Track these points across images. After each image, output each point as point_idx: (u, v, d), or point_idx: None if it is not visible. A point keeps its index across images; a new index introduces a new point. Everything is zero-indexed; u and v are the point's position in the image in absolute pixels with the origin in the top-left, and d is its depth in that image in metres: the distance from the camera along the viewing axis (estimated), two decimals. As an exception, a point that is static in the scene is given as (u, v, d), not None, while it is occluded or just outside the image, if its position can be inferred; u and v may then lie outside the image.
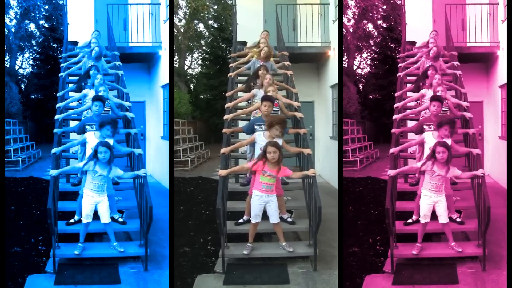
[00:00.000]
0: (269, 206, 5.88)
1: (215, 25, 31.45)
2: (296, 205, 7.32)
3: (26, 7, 21.32)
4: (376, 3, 22.98)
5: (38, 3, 22.25)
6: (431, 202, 5.79)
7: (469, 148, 6.68)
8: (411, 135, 9.49)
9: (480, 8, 11.08)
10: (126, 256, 6.22)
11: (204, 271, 5.90)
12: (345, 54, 23.05)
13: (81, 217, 6.15)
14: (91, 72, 8.14)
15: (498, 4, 10.87)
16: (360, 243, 6.80)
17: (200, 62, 34.74)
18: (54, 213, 5.92)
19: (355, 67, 27.03)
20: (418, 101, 8.10)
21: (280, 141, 6.09)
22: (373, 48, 27.12)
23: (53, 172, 6.19)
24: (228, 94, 8.42)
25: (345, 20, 21.77)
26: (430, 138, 6.34)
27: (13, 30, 22.14)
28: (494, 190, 9.29)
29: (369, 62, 28.43)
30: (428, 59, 8.60)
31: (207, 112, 28.56)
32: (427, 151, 6.31)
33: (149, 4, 12.49)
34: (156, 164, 12.71)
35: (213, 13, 31.39)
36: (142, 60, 12.96)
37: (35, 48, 25.25)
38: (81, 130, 7.00)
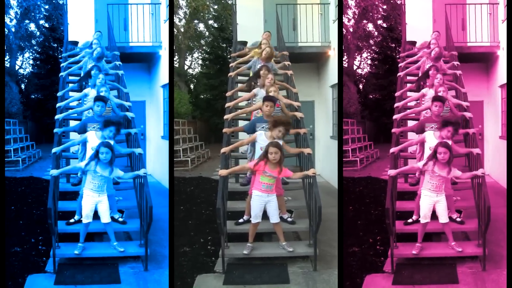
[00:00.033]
0: (269, 206, 5.88)
1: (215, 25, 31.44)
2: (296, 204, 7.32)
3: (26, 7, 21.30)
4: (376, 3, 22.97)
5: (38, 3, 22.24)
6: (431, 202, 5.79)
7: (469, 147, 6.69)
8: (411, 135, 9.50)
9: (480, 8, 11.08)
10: (126, 256, 6.22)
11: (204, 271, 5.90)
12: (345, 54, 23.06)
13: (81, 217, 6.15)
14: (92, 72, 8.15)
15: (498, 3, 10.87)
16: (360, 243, 6.80)
17: (200, 62, 34.77)
18: (54, 213, 5.93)
19: (355, 67, 27.04)
20: (418, 101, 8.11)
21: (280, 142, 6.08)
22: (373, 48, 27.11)
23: (54, 172, 6.19)
24: (228, 94, 8.42)
25: (345, 20, 21.78)
26: (431, 137, 6.34)
27: (13, 30, 22.14)
28: (494, 190, 9.30)
29: (369, 62, 28.46)
30: (429, 59, 8.59)
31: (207, 112, 28.56)
32: (427, 151, 6.32)
33: (149, 3, 12.49)
34: (156, 164, 12.71)
35: (213, 13, 31.39)
36: (142, 60, 12.96)
37: (35, 48, 25.25)
38: (82, 130, 7.01)
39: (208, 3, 28.78)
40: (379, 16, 24.74)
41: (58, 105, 8.07)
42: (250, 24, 13.07)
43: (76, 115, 8.20)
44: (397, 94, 8.45)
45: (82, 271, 5.90)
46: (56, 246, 5.97)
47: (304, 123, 7.25)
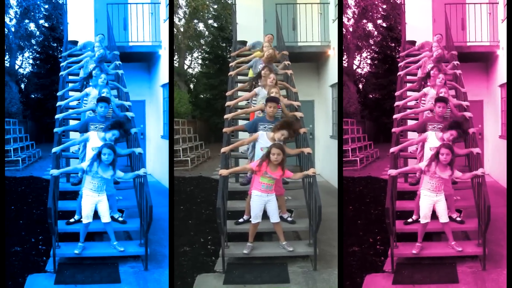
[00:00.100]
0: (269, 205, 5.88)
1: (215, 25, 31.43)
2: (296, 204, 7.32)
3: (26, 6, 21.29)
4: (376, 2, 22.96)
5: (38, 2, 22.23)
6: (431, 202, 5.79)
7: (469, 147, 6.69)
8: (411, 135, 9.50)
9: (480, 7, 11.08)
10: (126, 255, 6.23)
11: (204, 270, 5.90)
12: (345, 53, 23.05)
13: (81, 216, 6.15)
14: (94, 72, 8.15)
15: (498, 3, 10.87)
16: (360, 242, 6.80)
17: (200, 61, 34.75)
18: (54, 212, 5.93)
19: (355, 67, 27.03)
20: (417, 101, 8.11)
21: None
22: (373, 47, 27.11)
23: (54, 172, 6.19)
24: (228, 93, 8.41)
25: (345, 20, 21.77)
26: (432, 138, 6.35)
27: (13, 29, 22.12)
28: (494, 189, 9.30)
29: (369, 61, 28.44)
30: (430, 59, 8.57)
31: (207, 111, 28.55)
32: (427, 150, 6.33)
33: (149, 3, 12.49)
34: (156, 163, 12.71)
35: (213, 13, 31.38)
36: (142, 60, 12.96)
37: (35, 47, 25.23)
38: (84, 129, 7.01)
39: (207, 2, 28.77)
40: (379, 15, 24.73)
41: (58, 104, 8.08)
42: (250, 23, 13.08)
43: (76, 115, 8.20)
44: (397, 93, 8.45)
45: (82, 270, 5.90)
46: (56, 245, 5.97)
47: (304, 122, 7.25)
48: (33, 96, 25.47)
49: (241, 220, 6.47)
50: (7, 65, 22.95)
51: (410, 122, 8.46)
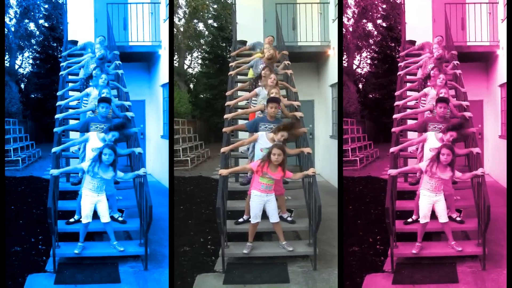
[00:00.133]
0: (268, 205, 5.88)
1: (215, 24, 31.44)
2: (296, 204, 7.32)
3: (26, 6, 21.31)
4: (376, 2, 22.99)
5: (38, 2, 22.25)
6: (431, 202, 5.79)
7: (469, 147, 6.69)
8: (411, 134, 9.50)
9: (480, 7, 11.08)
10: (126, 255, 6.23)
11: (204, 270, 5.90)
12: (344, 53, 23.05)
13: (81, 216, 6.15)
14: (94, 72, 8.15)
15: (498, 3, 10.87)
16: (360, 242, 6.80)
17: (200, 61, 34.77)
18: (54, 212, 5.93)
19: (354, 66, 27.03)
20: (417, 101, 8.11)
21: None
22: (372, 47, 27.11)
23: (54, 171, 6.19)
24: (228, 93, 8.41)
25: (344, 19, 21.78)
26: (432, 138, 6.35)
27: (12, 29, 22.12)
28: (494, 189, 9.30)
29: (369, 61, 28.44)
30: (431, 59, 8.57)
31: (207, 111, 28.55)
32: (426, 151, 6.33)
33: (149, 3, 12.49)
34: (156, 163, 12.71)
35: (212, 12, 31.39)
36: (142, 59, 12.96)
37: (34, 47, 25.22)
38: (85, 129, 7.01)
39: (207, 2, 28.80)
40: (379, 15, 24.75)
41: (58, 103, 8.08)
42: (250, 23, 13.08)
43: (76, 114, 8.20)
44: (397, 93, 8.45)
45: (82, 270, 5.90)
46: (56, 245, 5.97)
47: (303, 122, 7.25)
48: (33, 96, 25.46)
49: (241, 220, 6.47)
50: (7, 65, 22.96)
51: (410, 122, 8.45)
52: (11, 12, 21.75)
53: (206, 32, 32.93)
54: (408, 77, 9.44)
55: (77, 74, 9.59)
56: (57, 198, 6.44)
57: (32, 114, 23.96)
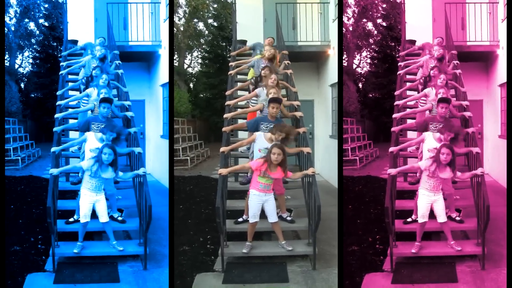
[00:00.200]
0: (267, 205, 5.88)
1: (215, 24, 31.44)
2: (296, 203, 7.32)
3: (26, 5, 21.29)
4: (376, 1, 22.96)
5: (38, 1, 22.23)
6: (429, 201, 5.79)
7: (468, 146, 6.69)
8: (410, 134, 9.51)
9: (480, 7, 11.08)
10: (125, 255, 6.22)
11: (203, 269, 5.91)
12: (344, 52, 23.04)
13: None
14: (93, 72, 8.15)
15: (498, 2, 10.87)
16: (359, 241, 6.80)
17: (199, 60, 34.76)
18: (53, 211, 5.92)
19: (354, 66, 27.01)
20: (417, 100, 8.10)
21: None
22: (372, 46, 27.10)
23: (54, 171, 6.19)
24: (228, 92, 8.41)
25: (344, 19, 21.76)
26: (430, 138, 6.35)
27: (12, 28, 22.11)
28: (494, 189, 9.30)
29: (368, 60, 28.45)
30: (432, 59, 8.56)
31: (206, 111, 28.55)
32: (425, 151, 6.33)
33: (149, 2, 12.49)
34: (156, 163, 12.71)
35: (212, 12, 31.38)
36: (142, 59, 12.96)
37: (34, 46, 25.22)
38: (85, 128, 7.01)
39: (207, 2, 28.78)
40: (379, 15, 24.73)
41: (58, 103, 8.08)
42: (250, 23, 13.08)
43: (76, 114, 8.20)
44: (396, 93, 8.44)
45: (81, 270, 5.90)
46: (55, 245, 5.97)
47: (303, 122, 7.25)
48: (32, 95, 25.47)
49: (240, 219, 6.47)
50: (7, 64, 22.95)
51: (410, 122, 8.45)
52: (11, 11, 21.76)
53: (206, 32, 32.93)
54: (408, 76, 9.44)
55: (77, 74, 9.59)
56: (56, 197, 6.44)
57: (32, 113, 23.96)
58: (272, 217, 5.94)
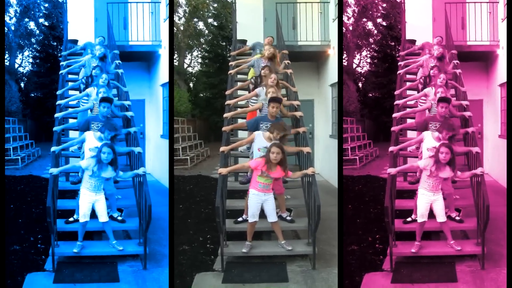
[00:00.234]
0: (266, 205, 5.88)
1: (215, 23, 31.45)
2: (296, 203, 7.33)
3: (26, 5, 21.28)
4: (376, 1, 22.97)
5: (38, 1, 22.22)
6: (428, 201, 5.79)
7: (468, 146, 6.69)
8: (410, 133, 9.50)
9: (480, 7, 11.07)
10: (125, 255, 6.22)
11: (203, 269, 5.91)
12: (344, 52, 23.04)
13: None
14: (93, 72, 8.15)
15: (498, 2, 10.86)
16: (359, 241, 6.80)
17: (199, 60, 34.79)
18: (53, 211, 5.92)
19: (354, 66, 27.02)
20: (416, 100, 8.10)
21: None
22: (372, 46, 27.11)
23: (53, 170, 6.18)
24: (227, 92, 8.41)
25: (344, 18, 21.76)
26: (428, 138, 6.35)
27: (12, 28, 22.10)
28: (494, 189, 9.30)
29: (368, 60, 28.46)
30: (432, 58, 8.56)
31: (206, 110, 28.56)
32: (424, 150, 6.33)
33: (149, 2, 12.48)
34: (156, 162, 12.71)
35: (212, 11, 31.38)
36: (142, 59, 12.95)
37: (34, 46, 25.22)
38: (85, 128, 7.01)
39: (207, 1, 28.76)
40: (379, 14, 24.73)
41: (58, 102, 8.08)
42: (250, 22, 13.07)
43: (75, 114, 8.20)
44: (396, 92, 8.44)
45: (81, 269, 5.90)
46: (55, 244, 5.97)
47: (303, 122, 7.25)
48: (32, 95, 25.48)
49: (240, 219, 6.48)
50: (7, 63, 22.95)
51: (410, 121, 8.45)
52: (11, 11, 21.74)
53: (206, 31, 32.94)
54: (408, 76, 9.43)
55: (77, 74, 9.59)
56: (56, 197, 6.43)
57: (31, 113, 23.97)
58: (272, 217, 5.94)
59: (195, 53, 35.12)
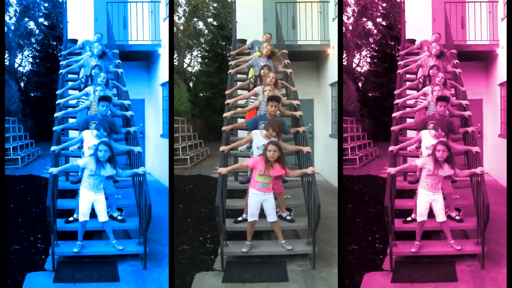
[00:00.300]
0: (266, 204, 5.88)
1: (215, 23, 31.44)
2: (296, 203, 7.32)
3: (26, 4, 21.27)
4: (376, 0, 22.96)
5: (38, 0, 22.21)
6: (427, 200, 5.78)
7: (468, 146, 6.69)
8: (410, 133, 9.50)
9: (480, 6, 11.08)
10: (125, 254, 6.22)
11: (203, 269, 5.90)
12: (344, 52, 23.03)
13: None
14: (93, 71, 8.15)
15: (497, 2, 10.87)
16: (359, 241, 6.80)
17: (199, 60, 34.77)
18: (53, 211, 5.92)
19: (354, 65, 27.01)
20: (416, 99, 8.10)
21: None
22: (372, 46, 27.11)
23: (53, 170, 6.18)
24: (227, 91, 8.41)
25: (344, 18, 21.75)
26: (426, 136, 6.35)
27: (12, 28, 22.09)
28: (493, 188, 9.30)
29: (368, 60, 28.45)
30: (431, 57, 8.55)
31: (206, 110, 28.57)
32: (423, 149, 6.34)
33: (148, 2, 12.48)
34: (156, 162, 12.71)
35: (212, 11, 31.37)
36: (142, 58, 12.95)
37: (34, 46, 25.22)
38: (85, 127, 7.00)
39: (207, 1, 28.74)
40: (379, 14, 24.74)
41: (58, 102, 8.08)
42: (250, 22, 13.07)
43: (75, 113, 8.20)
44: (396, 92, 8.44)
45: (81, 269, 5.90)
46: (55, 244, 5.97)
47: (303, 121, 7.25)
48: (32, 94, 25.48)
49: (240, 218, 6.48)
50: (7, 63, 22.93)
51: (410, 121, 8.46)
52: (11, 10, 21.74)
53: (206, 31, 32.92)
54: (407, 75, 9.43)
55: (76, 73, 9.59)
56: (56, 196, 6.43)
57: (31, 112, 23.97)
58: (272, 216, 5.94)
59: (195, 53, 35.15)
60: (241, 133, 10.24)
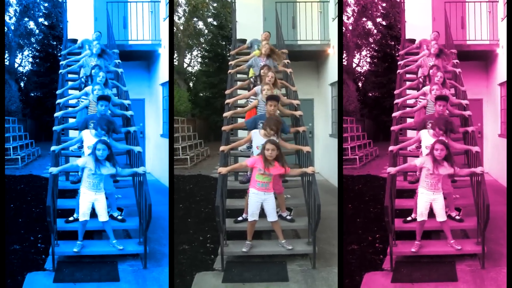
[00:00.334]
0: (266, 204, 5.87)
1: (215, 23, 31.44)
2: (296, 202, 7.32)
3: (26, 4, 21.27)
4: (376, 0, 22.96)
5: (38, 0, 22.21)
6: (427, 200, 5.78)
7: (468, 145, 6.69)
8: (410, 133, 9.51)
9: (480, 6, 11.08)
10: (125, 254, 6.21)
11: (203, 268, 5.90)
12: (344, 51, 23.02)
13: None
14: (93, 71, 8.15)
15: (498, 1, 10.87)
16: (359, 240, 6.80)
17: (199, 59, 34.78)
18: (53, 211, 5.92)
19: (354, 65, 27.01)
20: (416, 99, 8.10)
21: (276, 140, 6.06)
22: (372, 46, 27.11)
23: (53, 169, 6.18)
24: (227, 91, 8.41)
25: (344, 18, 21.75)
26: (425, 136, 6.35)
27: (12, 27, 22.09)
28: (493, 188, 9.30)
29: (368, 59, 28.45)
30: (430, 56, 8.55)
31: (206, 110, 28.56)
32: (423, 148, 6.34)
33: (148, 1, 12.48)
34: (156, 162, 12.71)
35: (212, 11, 31.37)
36: (142, 58, 12.95)
37: (34, 45, 25.21)
38: (84, 127, 7.00)
39: (207, 0, 28.75)
40: (379, 14, 24.74)
41: (58, 101, 8.08)
42: (250, 22, 13.07)
43: (74, 113, 8.20)
44: (396, 91, 8.44)
45: (81, 269, 5.90)
46: (55, 244, 5.97)
47: (303, 121, 7.25)
48: (32, 94, 25.47)
49: (240, 218, 6.48)
50: (7, 63, 22.93)
51: (409, 121, 8.46)
52: (11, 10, 21.74)
53: (206, 31, 32.93)
54: (407, 75, 9.43)
55: (76, 73, 9.58)
56: (56, 196, 6.43)
57: (31, 112, 23.97)
58: (272, 216, 5.93)
59: (195, 53, 35.16)
60: (241, 133, 10.24)
